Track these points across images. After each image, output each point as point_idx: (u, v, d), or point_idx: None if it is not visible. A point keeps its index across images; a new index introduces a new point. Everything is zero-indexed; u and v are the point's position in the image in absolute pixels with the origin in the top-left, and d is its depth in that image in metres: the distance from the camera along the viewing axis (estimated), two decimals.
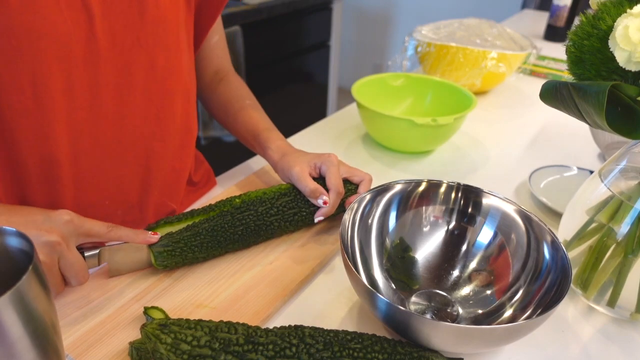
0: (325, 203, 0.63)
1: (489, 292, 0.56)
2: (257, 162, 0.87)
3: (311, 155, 0.69)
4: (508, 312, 0.53)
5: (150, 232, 0.57)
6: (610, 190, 0.54)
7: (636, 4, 0.45)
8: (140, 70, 0.59)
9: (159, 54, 0.60)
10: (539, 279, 0.53)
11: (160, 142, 0.67)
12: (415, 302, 0.56)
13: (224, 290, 0.57)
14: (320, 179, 0.66)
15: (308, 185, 0.63)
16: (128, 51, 0.57)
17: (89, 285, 0.56)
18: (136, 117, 0.62)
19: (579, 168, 0.84)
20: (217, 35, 0.77)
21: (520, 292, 0.54)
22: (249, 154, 0.85)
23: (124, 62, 0.58)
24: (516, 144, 0.98)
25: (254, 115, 0.76)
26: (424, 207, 0.62)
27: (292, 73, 2.30)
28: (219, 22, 0.77)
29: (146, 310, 0.50)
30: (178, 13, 0.62)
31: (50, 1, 0.50)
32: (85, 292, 0.55)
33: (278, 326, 0.47)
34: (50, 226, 0.49)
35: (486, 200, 0.59)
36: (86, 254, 0.54)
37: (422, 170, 0.86)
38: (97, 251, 0.55)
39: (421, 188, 0.61)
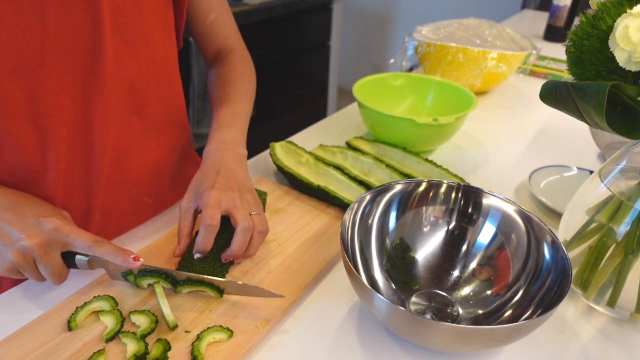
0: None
1: (489, 292, 0.56)
2: (253, 162, 0.87)
3: (202, 185, 0.59)
4: (508, 313, 0.53)
5: (132, 256, 0.53)
6: (610, 190, 0.54)
7: (636, 4, 0.45)
8: (108, 68, 0.57)
9: (127, 49, 0.59)
10: (539, 279, 0.53)
11: (139, 139, 0.66)
12: (415, 303, 0.56)
13: (218, 305, 0.55)
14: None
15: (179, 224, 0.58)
16: (91, 49, 0.55)
17: (51, 325, 0.52)
18: (107, 117, 0.60)
19: (579, 168, 0.84)
20: (213, 13, 0.74)
21: (521, 292, 0.54)
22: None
23: (87, 60, 0.56)
24: (516, 144, 0.98)
25: (221, 105, 0.70)
26: (424, 207, 0.62)
27: (292, 73, 2.30)
28: (213, 0, 0.74)
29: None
30: (141, 3, 0.59)
31: None
32: (46, 329, 0.52)
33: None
34: (35, 231, 0.51)
35: (486, 201, 0.59)
36: (77, 257, 0.55)
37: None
38: (87, 258, 0.55)
39: (421, 188, 0.61)
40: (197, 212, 0.59)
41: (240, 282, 0.54)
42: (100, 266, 0.56)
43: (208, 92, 0.78)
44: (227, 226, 0.58)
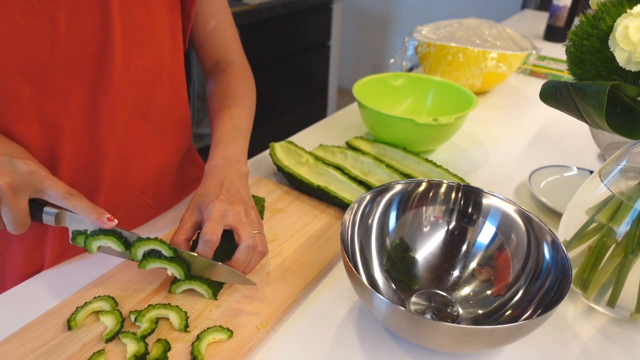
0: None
1: (489, 292, 0.56)
2: (253, 162, 0.87)
3: (206, 197, 0.58)
4: (508, 313, 0.53)
5: (107, 215, 0.52)
6: (610, 190, 0.54)
7: (636, 4, 0.45)
8: (116, 71, 0.57)
9: (135, 52, 0.59)
10: (539, 279, 0.53)
11: (143, 142, 0.65)
12: (415, 303, 0.56)
13: (216, 307, 0.55)
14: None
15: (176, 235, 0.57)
16: (100, 52, 0.55)
17: (51, 325, 0.52)
18: (114, 119, 0.59)
19: (579, 168, 0.84)
20: (213, 21, 0.73)
21: (521, 292, 0.54)
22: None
23: (96, 63, 0.56)
24: (516, 144, 0.98)
25: (222, 120, 0.70)
26: (424, 207, 0.62)
27: (292, 73, 2.30)
28: (215, 7, 0.73)
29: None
30: (151, 7, 0.59)
31: (3, 13, 0.48)
32: (46, 329, 0.51)
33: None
34: (6, 169, 0.48)
35: (486, 201, 0.59)
36: (45, 209, 0.52)
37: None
38: (55, 211, 0.52)
39: (421, 188, 0.61)
40: (197, 224, 0.57)
41: (210, 260, 0.54)
42: (65, 224, 0.53)
43: (206, 102, 0.77)
44: (228, 236, 0.57)
